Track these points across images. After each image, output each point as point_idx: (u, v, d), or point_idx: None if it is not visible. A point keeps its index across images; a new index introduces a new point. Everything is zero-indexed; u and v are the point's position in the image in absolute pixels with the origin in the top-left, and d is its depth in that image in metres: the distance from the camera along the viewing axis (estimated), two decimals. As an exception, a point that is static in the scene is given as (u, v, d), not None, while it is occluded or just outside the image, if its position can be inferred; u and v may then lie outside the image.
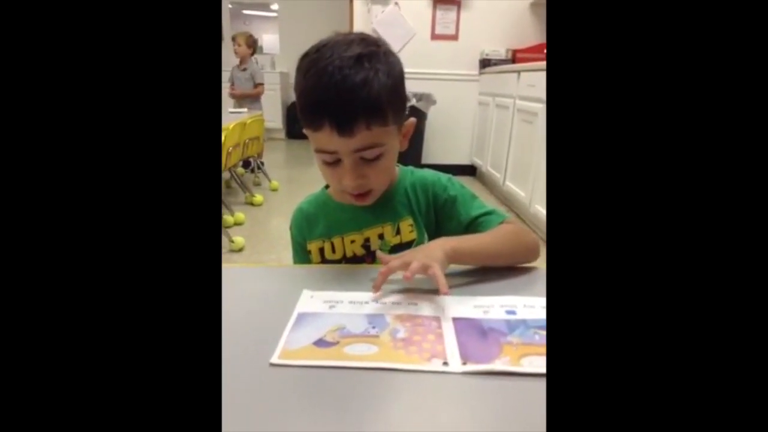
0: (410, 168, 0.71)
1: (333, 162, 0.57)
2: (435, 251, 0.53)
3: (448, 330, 0.45)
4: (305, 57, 0.56)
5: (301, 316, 0.47)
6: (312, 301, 0.51)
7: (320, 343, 0.42)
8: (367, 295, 0.51)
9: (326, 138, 0.53)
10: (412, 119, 0.62)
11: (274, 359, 0.40)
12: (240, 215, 2.36)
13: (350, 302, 0.50)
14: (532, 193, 2.20)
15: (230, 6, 5.65)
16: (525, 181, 2.32)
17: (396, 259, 0.52)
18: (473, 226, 0.64)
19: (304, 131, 0.57)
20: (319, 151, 0.56)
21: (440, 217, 0.67)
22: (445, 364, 0.39)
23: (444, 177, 0.69)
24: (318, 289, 0.53)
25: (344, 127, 0.52)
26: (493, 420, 0.34)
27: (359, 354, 0.40)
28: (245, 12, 5.78)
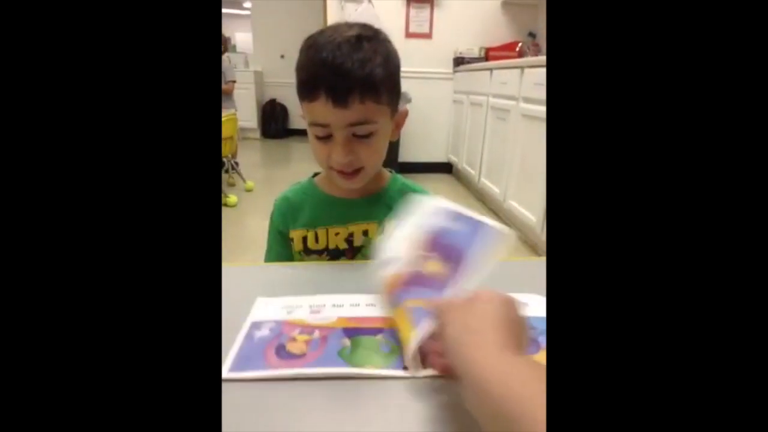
0: (401, 176, 0.73)
1: (325, 137, 0.57)
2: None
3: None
4: (308, 38, 0.57)
5: (255, 325, 0.45)
6: (267, 307, 0.48)
7: (280, 352, 0.41)
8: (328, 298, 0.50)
9: (320, 109, 0.54)
10: (406, 108, 0.63)
11: (225, 373, 0.37)
12: (232, 197, 2.31)
13: (309, 306, 0.48)
14: (506, 189, 2.23)
15: (201, 3, 5.49)
16: (499, 178, 2.35)
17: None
18: None
19: (301, 105, 0.58)
20: (312, 124, 0.57)
21: None
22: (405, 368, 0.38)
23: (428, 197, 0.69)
24: (275, 291, 0.51)
25: (339, 98, 0.53)
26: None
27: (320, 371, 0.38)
28: (217, 9, 5.64)
